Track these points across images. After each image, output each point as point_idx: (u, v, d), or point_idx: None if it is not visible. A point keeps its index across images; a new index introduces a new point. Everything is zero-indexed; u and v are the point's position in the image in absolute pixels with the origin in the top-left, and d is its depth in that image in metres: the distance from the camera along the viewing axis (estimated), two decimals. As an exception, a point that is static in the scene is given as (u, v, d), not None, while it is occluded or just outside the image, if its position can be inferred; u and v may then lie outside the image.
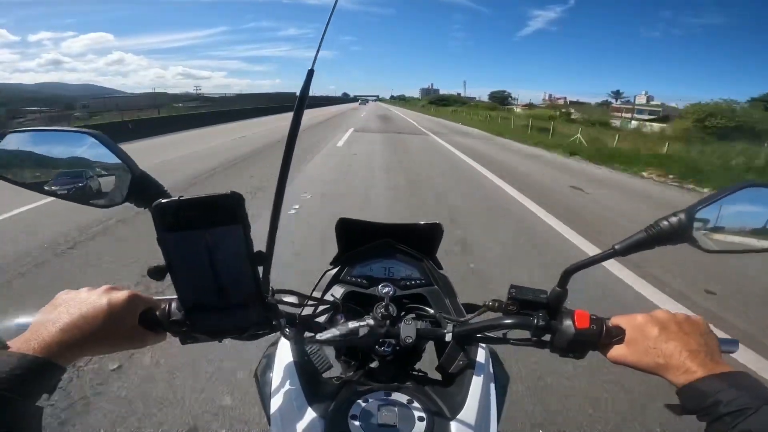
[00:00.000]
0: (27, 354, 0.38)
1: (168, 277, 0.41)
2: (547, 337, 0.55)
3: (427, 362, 0.74)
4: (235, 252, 0.39)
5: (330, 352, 0.69)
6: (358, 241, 0.83)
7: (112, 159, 0.47)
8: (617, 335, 0.50)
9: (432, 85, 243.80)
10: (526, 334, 0.56)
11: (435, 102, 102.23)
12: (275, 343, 0.70)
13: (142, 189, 0.47)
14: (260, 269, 0.44)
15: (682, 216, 0.48)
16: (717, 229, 0.50)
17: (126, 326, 0.45)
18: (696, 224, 0.48)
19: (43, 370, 0.38)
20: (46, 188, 0.50)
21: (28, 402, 0.36)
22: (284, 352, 0.65)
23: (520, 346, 0.58)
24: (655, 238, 0.49)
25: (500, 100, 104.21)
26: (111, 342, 0.44)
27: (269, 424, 0.59)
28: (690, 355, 0.44)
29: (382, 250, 0.83)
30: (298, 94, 0.44)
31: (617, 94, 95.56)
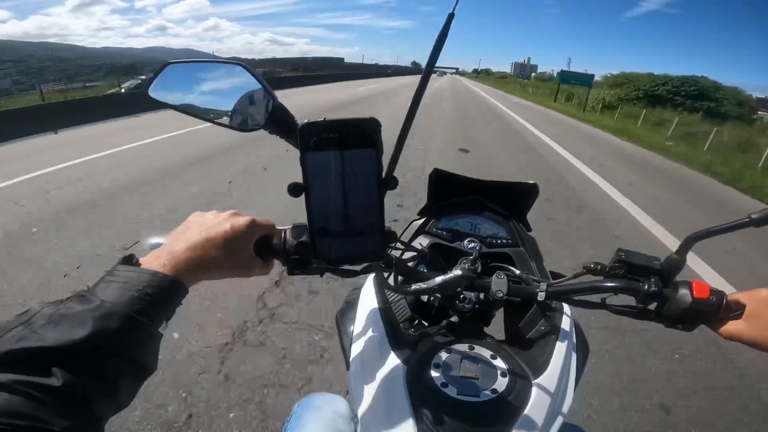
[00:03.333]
0: (158, 272, 0.38)
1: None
2: (652, 307, 0.52)
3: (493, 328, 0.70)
4: (366, 175, 0.41)
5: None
6: (449, 194, 0.83)
7: (256, 87, 0.52)
8: (737, 310, 0.47)
9: (528, 59, 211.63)
10: (625, 300, 0.53)
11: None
12: (357, 288, 0.72)
13: (278, 118, 0.51)
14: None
15: None
16: None
17: (243, 254, 0.46)
18: None
19: (172, 289, 0.38)
20: (200, 113, 0.57)
21: (153, 326, 0.36)
22: (367, 297, 0.67)
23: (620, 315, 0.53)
24: None
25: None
26: (228, 268, 0.45)
27: (347, 368, 0.62)
28: None
29: (471, 205, 0.82)
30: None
31: None
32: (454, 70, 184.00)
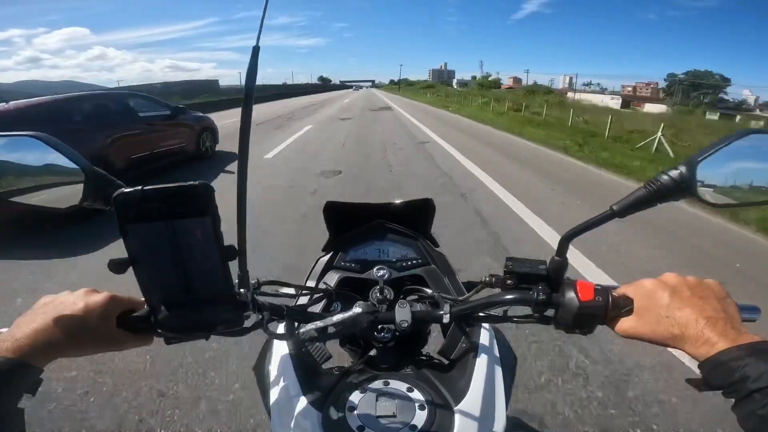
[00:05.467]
0: None
1: None
2: (550, 312, 0.52)
3: (435, 346, 0.71)
4: (203, 246, 0.37)
5: (333, 340, 0.67)
6: (348, 224, 0.80)
7: (63, 161, 0.43)
8: (625, 306, 0.46)
9: (445, 65, 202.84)
10: (528, 310, 0.53)
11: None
12: None
13: (98, 188, 0.43)
14: (236, 263, 0.42)
15: (683, 169, 0.43)
16: (721, 181, 0.46)
17: (103, 329, 0.45)
18: (698, 177, 0.43)
19: (17, 370, 0.38)
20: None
21: (7, 403, 0.36)
22: (282, 345, 0.63)
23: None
24: (655, 194, 0.45)
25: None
26: (88, 344, 0.44)
27: (269, 417, 0.58)
28: (708, 323, 0.39)
29: (375, 231, 0.80)
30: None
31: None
32: (370, 83, 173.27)
